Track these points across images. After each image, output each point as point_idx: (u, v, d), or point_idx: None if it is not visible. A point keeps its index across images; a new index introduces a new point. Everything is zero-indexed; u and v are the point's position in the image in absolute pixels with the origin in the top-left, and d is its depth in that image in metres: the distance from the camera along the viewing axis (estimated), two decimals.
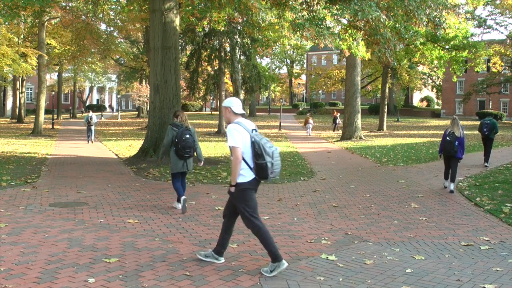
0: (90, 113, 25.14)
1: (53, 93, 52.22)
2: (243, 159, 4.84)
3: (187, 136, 7.88)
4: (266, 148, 4.80)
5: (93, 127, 24.40)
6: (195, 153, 8.12)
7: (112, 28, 37.66)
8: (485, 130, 14.62)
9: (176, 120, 8.12)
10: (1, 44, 25.66)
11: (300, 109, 69.91)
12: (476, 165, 14.95)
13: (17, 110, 45.33)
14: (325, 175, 13.12)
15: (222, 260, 5.19)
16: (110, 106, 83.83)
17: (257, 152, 4.79)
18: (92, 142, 24.18)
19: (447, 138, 10.22)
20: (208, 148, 21.48)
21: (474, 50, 32.38)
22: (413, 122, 50.97)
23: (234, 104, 4.98)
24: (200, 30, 27.32)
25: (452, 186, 10.25)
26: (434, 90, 70.68)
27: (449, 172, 10.42)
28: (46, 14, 25.43)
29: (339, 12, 13.46)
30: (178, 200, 7.98)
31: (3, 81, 49.41)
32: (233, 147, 4.81)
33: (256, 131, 4.97)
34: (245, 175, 4.87)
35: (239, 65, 35.91)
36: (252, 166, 4.84)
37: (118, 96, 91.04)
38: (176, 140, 7.85)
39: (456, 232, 6.84)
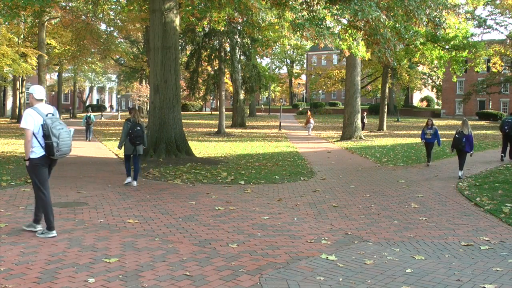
0: (89, 113, 27.21)
1: (53, 93, 52.25)
2: (36, 138, 5.84)
3: (138, 128, 10.33)
4: (53, 130, 5.81)
5: (91, 126, 26.31)
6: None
7: (112, 28, 37.65)
8: (506, 128, 15.90)
9: (131, 116, 10.57)
10: (1, 44, 25.67)
11: (300, 109, 69.92)
12: (476, 165, 14.95)
13: (17, 110, 45.30)
14: (325, 175, 13.12)
15: (40, 227, 6.20)
16: (111, 106, 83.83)
17: (45, 133, 5.80)
18: (89, 140, 25.40)
19: (456, 135, 12.39)
20: (208, 148, 21.48)
21: (474, 50, 32.37)
22: (413, 122, 50.96)
23: (36, 91, 6.00)
24: (200, 30, 27.33)
25: (460, 173, 12.36)
26: (434, 90, 70.70)
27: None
28: (46, 14, 25.44)
29: (339, 12, 13.46)
30: (128, 175, 10.55)
31: (3, 81, 49.39)
32: (24, 129, 5.84)
33: (52, 115, 5.97)
34: (36, 152, 5.90)
35: (239, 65, 35.93)
36: (43, 145, 5.85)
37: (118, 96, 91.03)
38: (130, 131, 10.29)
39: (456, 232, 6.84)
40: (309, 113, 36.43)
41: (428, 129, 15.26)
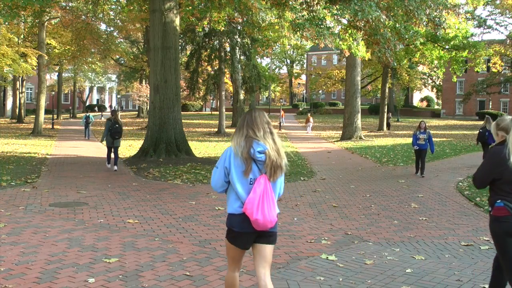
0: (88, 113, 29.69)
1: (53, 93, 52.18)
2: None
3: (116, 126, 13.04)
4: None
5: (90, 125, 28.20)
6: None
7: (112, 28, 37.61)
8: None
9: (111, 117, 13.27)
10: (1, 44, 25.64)
11: (300, 109, 69.90)
12: (476, 165, 14.94)
13: (17, 110, 45.27)
14: (325, 175, 13.12)
15: None
16: (110, 106, 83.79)
17: None
18: (88, 138, 27.09)
19: (480, 130, 14.28)
20: (208, 148, 21.48)
21: (474, 50, 32.33)
22: (413, 122, 50.93)
23: None
24: (200, 30, 27.33)
25: None
26: (434, 90, 70.63)
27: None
28: (46, 14, 25.39)
29: (339, 12, 13.46)
30: (108, 163, 13.45)
31: (3, 81, 49.35)
32: None
33: None
34: None
35: (239, 65, 35.91)
36: None
37: (118, 96, 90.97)
38: (110, 128, 12.99)
39: (456, 232, 6.85)
40: (308, 114, 36.96)
41: (421, 133, 13.09)
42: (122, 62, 54.66)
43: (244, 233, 3.35)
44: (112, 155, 13.39)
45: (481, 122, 16.18)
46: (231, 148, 3.41)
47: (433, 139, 14.93)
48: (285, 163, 3.44)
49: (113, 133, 13.00)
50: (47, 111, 44.08)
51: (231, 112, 43.94)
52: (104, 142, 13.58)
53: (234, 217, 3.36)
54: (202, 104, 71.92)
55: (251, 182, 3.33)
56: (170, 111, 15.53)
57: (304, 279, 4.71)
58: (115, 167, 13.17)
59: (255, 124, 3.49)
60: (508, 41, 42.52)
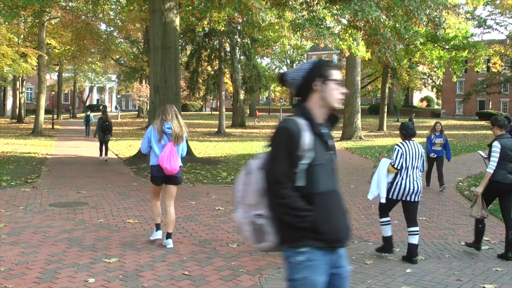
0: (88, 112, 30.99)
1: (53, 93, 52.18)
2: None
3: (106, 123, 15.60)
4: None
5: (90, 123, 29.64)
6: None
7: (112, 28, 37.57)
8: None
9: (103, 115, 15.90)
10: (1, 44, 25.63)
11: None
12: (476, 164, 14.94)
13: (17, 110, 45.26)
14: None
15: None
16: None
17: None
18: (88, 136, 28.39)
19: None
20: (208, 148, 21.47)
21: (474, 50, 32.31)
22: (413, 122, 50.95)
23: None
24: (200, 30, 27.30)
25: None
26: (434, 90, 70.65)
27: None
28: (46, 14, 25.37)
29: (339, 12, 13.46)
30: (100, 155, 15.87)
31: (3, 81, 49.34)
32: None
33: None
34: None
35: (239, 65, 35.90)
36: None
37: (118, 96, 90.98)
38: (100, 126, 15.60)
39: (456, 232, 6.85)
40: None
41: (437, 137, 10.58)
42: (122, 62, 54.64)
43: (158, 176, 5.73)
44: (104, 148, 15.90)
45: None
46: (152, 126, 5.78)
47: None
48: (186, 135, 5.79)
49: (103, 130, 15.66)
50: (47, 111, 44.02)
51: (231, 112, 43.93)
52: (97, 137, 16.31)
53: (153, 167, 5.71)
54: (202, 104, 71.95)
55: (163, 146, 5.61)
56: None
57: None
58: (106, 157, 15.79)
59: (166, 112, 5.71)
60: (508, 41, 42.51)
